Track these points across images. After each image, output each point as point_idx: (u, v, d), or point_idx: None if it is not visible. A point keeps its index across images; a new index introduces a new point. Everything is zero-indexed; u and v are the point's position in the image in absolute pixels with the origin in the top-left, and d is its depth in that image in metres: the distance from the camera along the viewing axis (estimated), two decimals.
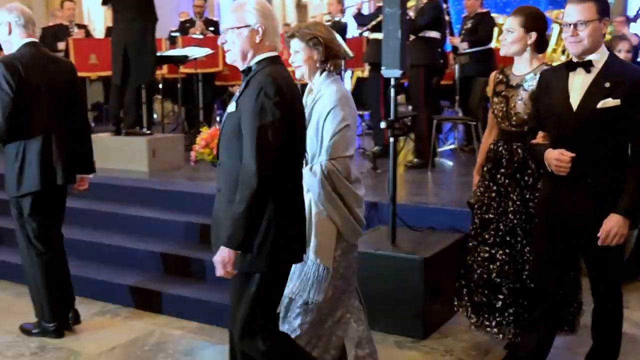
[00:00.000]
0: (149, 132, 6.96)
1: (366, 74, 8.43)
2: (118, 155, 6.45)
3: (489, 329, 3.45)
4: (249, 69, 2.60)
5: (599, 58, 2.82)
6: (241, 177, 2.45)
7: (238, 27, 2.57)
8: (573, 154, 2.79)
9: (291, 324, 3.13)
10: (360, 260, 3.93)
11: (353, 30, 8.99)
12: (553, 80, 2.95)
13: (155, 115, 9.49)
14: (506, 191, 3.35)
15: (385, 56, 4.07)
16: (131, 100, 6.68)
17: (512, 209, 3.31)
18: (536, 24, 3.25)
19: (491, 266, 3.39)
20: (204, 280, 4.57)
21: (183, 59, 7.75)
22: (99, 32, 11.58)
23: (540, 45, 3.32)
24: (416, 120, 6.55)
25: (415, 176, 6.12)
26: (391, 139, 4.12)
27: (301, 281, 3.07)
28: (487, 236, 3.41)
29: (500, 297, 3.36)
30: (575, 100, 2.83)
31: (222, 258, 2.47)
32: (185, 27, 9.54)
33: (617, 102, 2.74)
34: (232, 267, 2.48)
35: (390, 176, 4.11)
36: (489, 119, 3.58)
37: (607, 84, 2.76)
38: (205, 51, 7.88)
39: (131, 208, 5.44)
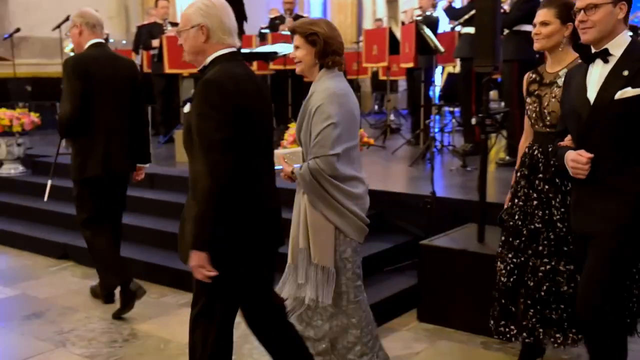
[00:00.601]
0: None
1: (457, 69, 8.32)
2: None
3: (574, 344, 3.25)
4: (205, 68, 2.66)
5: (617, 46, 2.61)
6: (198, 179, 2.51)
7: (186, 29, 2.66)
8: (591, 155, 2.59)
9: (320, 328, 3.20)
10: (448, 258, 3.92)
11: (445, 25, 8.90)
12: (575, 76, 2.78)
13: None
14: (547, 198, 3.15)
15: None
16: None
17: (558, 217, 3.11)
18: (572, 15, 2.92)
19: (558, 279, 3.18)
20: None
21: (272, 56, 7.90)
22: None
23: (575, 38, 3.04)
24: (508, 116, 6.42)
25: (507, 174, 5.97)
26: (482, 136, 4.07)
27: (310, 284, 3.09)
28: (540, 248, 3.20)
29: None
30: (592, 93, 2.64)
31: (196, 262, 2.52)
32: (275, 23, 9.71)
33: (638, 91, 2.52)
34: (208, 269, 2.52)
35: (480, 174, 4.07)
36: (525, 123, 3.39)
37: (626, 72, 2.56)
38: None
39: None
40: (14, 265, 5.63)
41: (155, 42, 8.78)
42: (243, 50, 7.71)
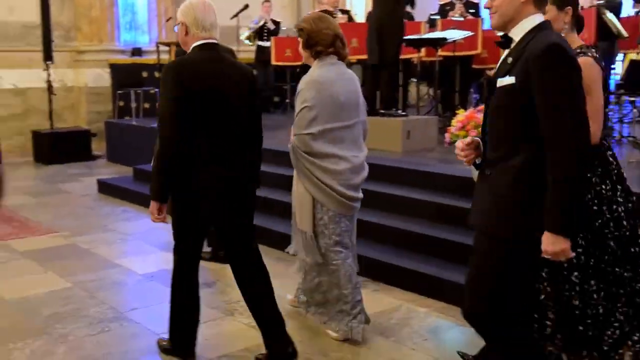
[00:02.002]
0: (404, 113, 7.11)
1: None
2: (373, 135, 6.66)
3: None
4: None
5: (520, 31, 2.41)
6: None
7: (177, 25, 3.28)
8: (466, 140, 2.58)
9: (305, 281, 3.83)
10: None
11: (628, 9, 8.32)
12: None
13: (409, 98, 9.66)
14: None
15: None
16: (386, 81, 6.90)
17: None
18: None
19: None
20: (448, 260, 4.59)
21: (441, 42, 7.78)
22: (360, 17, 12.06)
23: (576, 23, 2.90)
24: None
25: None
26: None
27: (298, 243, 3.73)
28: None
29: None
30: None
31: (151, 209, 3.18)
32: (445, 10, 9.55)
33: (512, 80, 2.34)
34: (157, 215, 3.17)
35: None
36: None
37: (510, 59, 2.39)
38: (464, 33, 7.82)
39: (383, 186, 5.61)
40: None
41: None
42: (411, 37, 7.67)
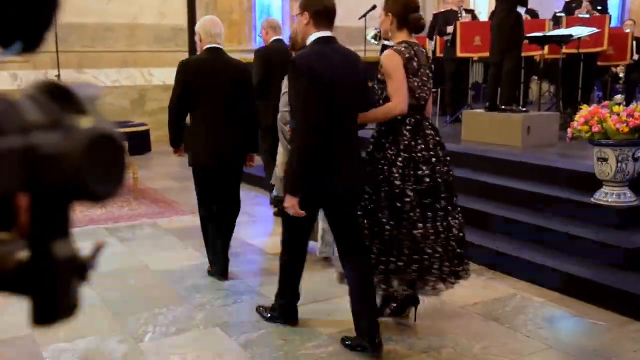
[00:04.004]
0: (524, 110, 6.89)
1: None
2: (494, 130, 6.53)
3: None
4: None
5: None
6: None
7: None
8: None
9: None
10: None
11: None
12: None
13: (530, 96, 9.34)
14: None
15: None
16: (507, 79, 6.71)
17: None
18: (389, 6, 3.38)
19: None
20: (564, 251, 4.44)
21: (566, 39, 7.46)
22: (484, 16, 11.77)
23: (406, 26, 3.39)
24: None
25: None
26: None
27: (279, 187, 4.68)
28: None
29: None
30: None
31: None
32: (571, 7, 9.15)
33: (286, 81, 3.29)
34: (175, 153, 4.62)
35: None
36: None
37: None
38: (590, 30, 7.46)
39: (504, 179, 5.48)
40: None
41: (449, 29, 8.80)
42: (535, 34, 7.41)
